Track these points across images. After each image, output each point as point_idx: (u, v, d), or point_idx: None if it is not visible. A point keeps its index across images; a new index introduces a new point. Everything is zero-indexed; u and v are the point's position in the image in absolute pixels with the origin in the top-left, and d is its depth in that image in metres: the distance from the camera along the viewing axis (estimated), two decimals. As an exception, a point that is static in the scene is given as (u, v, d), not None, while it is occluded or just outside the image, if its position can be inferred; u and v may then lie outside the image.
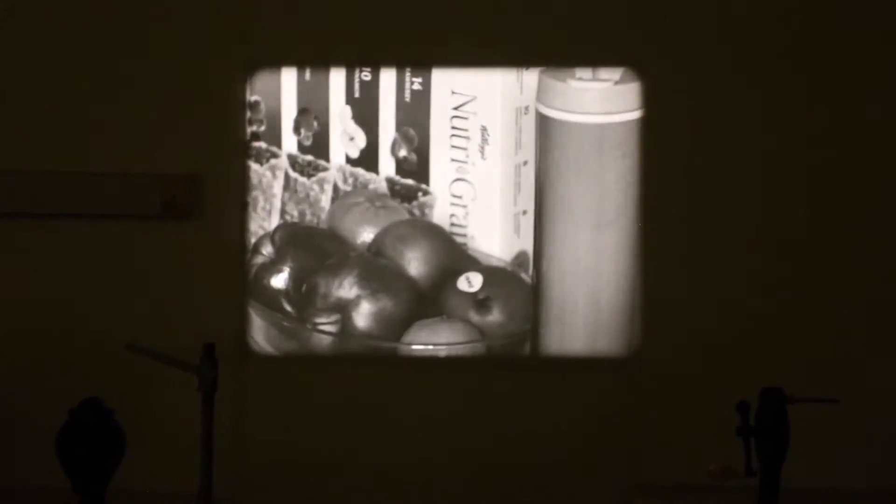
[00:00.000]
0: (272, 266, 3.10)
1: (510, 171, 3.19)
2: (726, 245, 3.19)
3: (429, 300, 3.07)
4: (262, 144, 3.09)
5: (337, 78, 3.17)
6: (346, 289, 3.04)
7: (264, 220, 3.04)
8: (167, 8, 3.24)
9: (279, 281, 3.04)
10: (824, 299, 3.19)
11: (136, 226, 3.21)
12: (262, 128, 3.27)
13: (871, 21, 3.19)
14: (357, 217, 3.14)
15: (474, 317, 3.04)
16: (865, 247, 3.19)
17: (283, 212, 3.19)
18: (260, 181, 3.02)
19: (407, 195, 3.18)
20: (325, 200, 3.22)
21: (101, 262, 3.22)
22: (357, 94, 3.20)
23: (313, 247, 3.19)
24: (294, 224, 3.27)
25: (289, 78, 3.20)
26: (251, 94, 3.24)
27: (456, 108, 3.15)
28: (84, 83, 3.24)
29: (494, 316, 3.07)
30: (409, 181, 3.19)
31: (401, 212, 3.13)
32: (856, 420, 3.13)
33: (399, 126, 3.18)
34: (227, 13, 3.24)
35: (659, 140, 3.18)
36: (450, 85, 3.10)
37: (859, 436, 3.16)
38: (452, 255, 3.14)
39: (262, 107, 3.03)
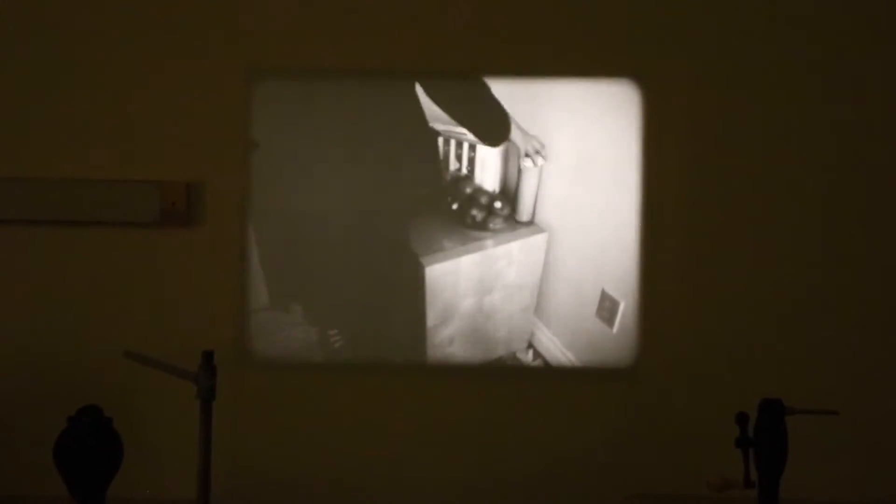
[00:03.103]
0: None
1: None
2: (726, 257, 3.20)
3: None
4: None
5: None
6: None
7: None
8: (168, 16, 3.24)
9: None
10: (823, 312, 3.19)
11: (135, 233, 3.21)
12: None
13: (872, 26, 3.20)
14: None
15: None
16: (865, 259, 3.19)
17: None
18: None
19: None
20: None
21: (99, 268, 3.22)
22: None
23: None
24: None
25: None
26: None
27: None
28: (84, 90, 3.24)
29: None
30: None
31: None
32: (854, 432, 3.13)
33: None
34: (229, 22, 3.24)
35: (658, 151, 3.19)
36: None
37: (858, 447, 3.16)
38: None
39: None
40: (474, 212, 3.23)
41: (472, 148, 3.23)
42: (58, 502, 2.74)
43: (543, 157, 3.19)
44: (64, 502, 2.70)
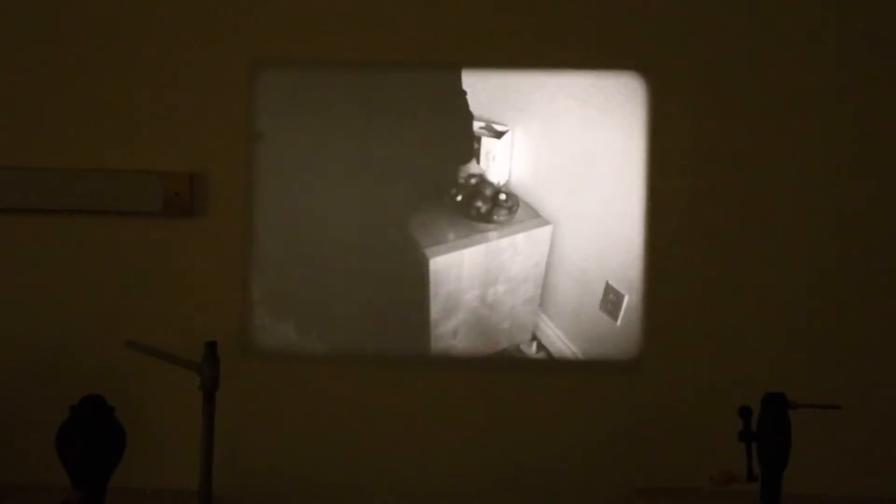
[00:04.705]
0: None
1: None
2: (731, 250, 3.19)
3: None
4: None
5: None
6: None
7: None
8: (172, 8, 3.23)
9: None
10: (826, 306, 3.18)
11: (138, 222, 3.21)
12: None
13: (875, 21, 3.19)
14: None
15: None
16: (871, 252, 3.18)
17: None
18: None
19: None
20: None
21: (102, 258, 3.22)
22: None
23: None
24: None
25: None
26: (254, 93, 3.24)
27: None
28: (87, 81, 3.23)
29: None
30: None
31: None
32: (857, 426, 3.13)
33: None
34: (232, 13, 3.24)
35: (663, 143, 3.18)
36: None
37: (861, 442, 3.16)
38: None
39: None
40: (479, 203, 3.23)
41: (478, 140, 3.22)
42: (60, 492, 2.75)
43: (501, 127, 3.19)
44: (66, 492, 2.70)
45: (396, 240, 3.23)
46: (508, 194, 3.22)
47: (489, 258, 3.23)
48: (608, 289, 3.21)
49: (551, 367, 3.22)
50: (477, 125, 3.23)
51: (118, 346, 2.83)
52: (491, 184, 3.23)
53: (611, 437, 3.18)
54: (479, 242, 3.24)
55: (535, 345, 3.24)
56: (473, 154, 3.24)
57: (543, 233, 3.23)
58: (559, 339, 3.22)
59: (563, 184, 3.21)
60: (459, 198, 3.23)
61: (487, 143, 3.22)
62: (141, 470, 3.07)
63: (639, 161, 3.19)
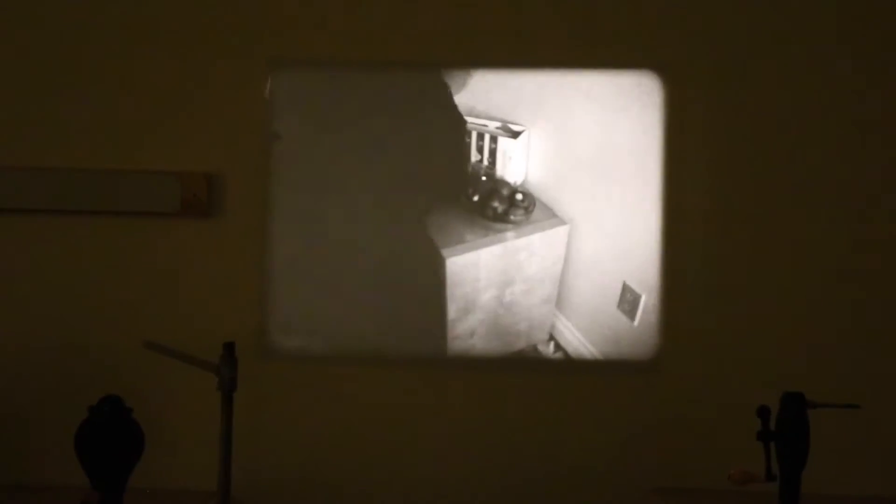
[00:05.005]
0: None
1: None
2: (748, 249, 3.18)
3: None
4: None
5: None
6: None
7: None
8: (189, 8, 3.24)
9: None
10: (847, 305, 3.17)
11: (156, 223, 3.21)
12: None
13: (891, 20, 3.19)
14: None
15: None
16: (886, 255, 3.17)
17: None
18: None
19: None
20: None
21: (120, 259, 3.23)
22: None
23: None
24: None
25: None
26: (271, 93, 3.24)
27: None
28: (106, 82, 3.24)
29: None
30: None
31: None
32: (876, 425, 3.11)
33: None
34: (249, 14, 3.24)
35: (680, 143, 3.18)
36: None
37: (880, 441, 3.14)
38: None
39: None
40: (495, 204, 3.22)
41: (494, 140, 3.22)
42: (79, 492, 2.75)
43: (517, 127, 3.19)
44: (85, 492, 2.71)
45: (413, 240, 3.23)
46: (525, 194, 3.22)
47: (506, 258, 3.23)
48: (625, 289, 3.20)
49: (568, 367, 3.22)
50: (493, 125, 3.23)
51: (136, 346, 2.84)
52: (507, 184, 3.23)
53: (628, 436, 3.17)
54: (495, 243, 3.24)
55: (552, 345, 3.24)
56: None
57: (560, 233, 3.22)
58: (576, 340, 3.22)
59: (579, 183, 3.20)
60: (476, 198, 3.23)
61: (504, 143, 3.22)
62: (159, 470, 3.07)
63: (655, 160, 3.18)
